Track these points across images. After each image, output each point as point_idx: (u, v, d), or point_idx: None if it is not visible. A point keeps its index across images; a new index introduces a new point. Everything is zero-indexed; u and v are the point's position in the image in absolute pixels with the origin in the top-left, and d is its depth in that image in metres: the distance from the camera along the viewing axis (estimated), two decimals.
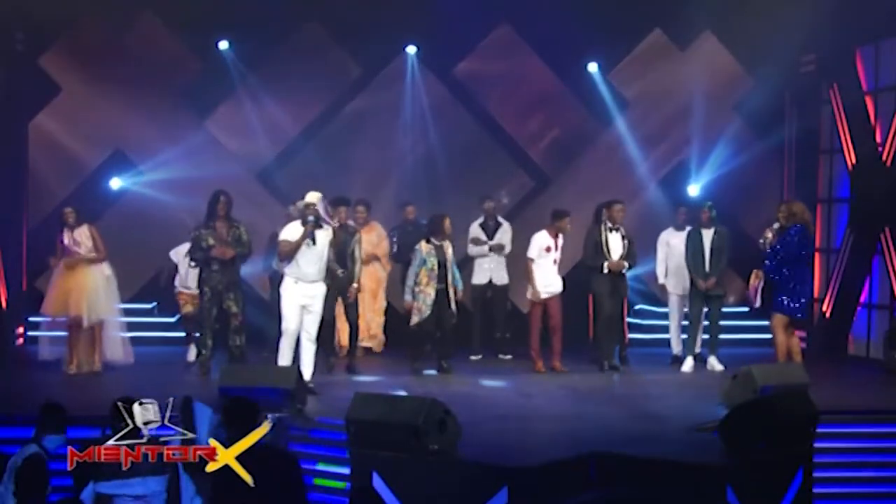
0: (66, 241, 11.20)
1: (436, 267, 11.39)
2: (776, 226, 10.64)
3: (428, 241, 11.50)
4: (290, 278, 10.39)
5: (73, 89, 14.16)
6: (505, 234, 13.01)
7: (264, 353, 11.94)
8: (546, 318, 11.93)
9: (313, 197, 10.53)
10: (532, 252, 11.88)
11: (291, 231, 10.44)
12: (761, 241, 10.86)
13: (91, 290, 11.10)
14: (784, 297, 10.49)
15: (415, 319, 11.46)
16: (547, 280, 11.85)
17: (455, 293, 11.60)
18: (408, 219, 13.12)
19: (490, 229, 13.05)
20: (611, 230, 11.96)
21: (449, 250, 11.58)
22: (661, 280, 12.75)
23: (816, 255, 14.35)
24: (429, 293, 11.37)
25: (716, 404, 9.42)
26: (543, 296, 11.83)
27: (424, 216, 12.87)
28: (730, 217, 12.99)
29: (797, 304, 10.52)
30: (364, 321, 12.38)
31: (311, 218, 10.42)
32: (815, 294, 14.22)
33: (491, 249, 12.86)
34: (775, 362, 10.39)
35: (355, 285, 11.49)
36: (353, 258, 11.47)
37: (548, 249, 11.84)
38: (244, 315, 11.40)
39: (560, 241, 11.94)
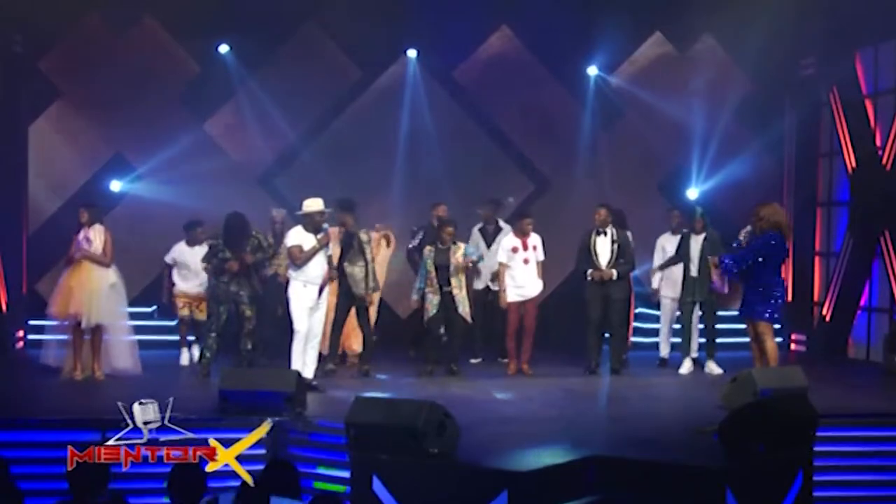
0: (87, 238, 11.14)
1: (433, 270, 11.52)
2: (748, 228, 10.48)
3: (432, 244, 11.61)
4: (298, 282, 10.48)
5: (73, 93, 14.18)
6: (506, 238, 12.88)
7: (263, 360, 11.94)
8: (520, 319, 11.98)
9: (317, 204, 10.56)
10: (501, 256, 11.95)
11: (300, 237, 10.48)
12: (734, 244, 10.67)
13: (93, 291, 11.03)
14: (761, 305, 10.38)
15: (426, 318, 11.66)
16: (518, 282, 11.87)
17: (469, 294, 11.67)
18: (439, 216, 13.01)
19: (489, 234, 13.01)
20: (598, 234, 11.94)
21: (458, 253, 11.61)
22: (654, 284, 12.72)
23: (816, 258, 14.41)
24: (433, 294, 11.51)
25: (715, 407, 9.42)
26: (514, 298, 11.85)
27: (424, 219, 12.89)
28: (728, 221, 12.98)
29: (772, 310, 10.36)
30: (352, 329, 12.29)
31: (326, 226, 10.63)
32: (815, 297, 14.26)
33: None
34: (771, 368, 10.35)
35: (371, 294, 11.59)
36: (368, 267, 11.52)
37: (514, 250, 11.88)
38: (257, 320, 11.52)
39: (531, 240, 11.91)
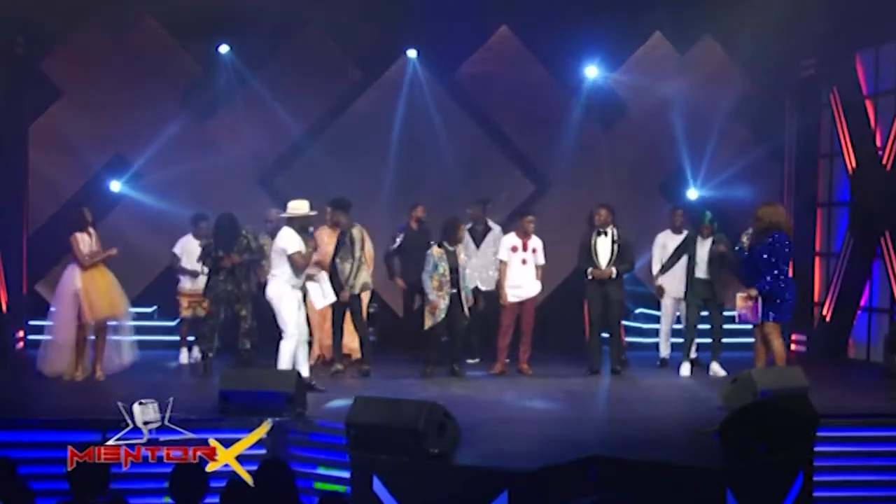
0: (91, 240, 11.16)
1: (447, 272, 11.40)
2: (749, 231, 10.48)
3: (440, 246, 11.53)
4: (287, 284, 10.36)
5: (73, 93, 14.18)
6: (497, 240, 12.61)
7: (263, 359, 11.95)
8: (518, 320, 11.97)
9: (303, 206, 10.51)
10: (502, 254, 11.96)
11: (297, 242, 10.39)
12: (737, 247, 10.69)
13: (118, 287, 11.23)
14: (767, 305, 10.36)
15: (428, 323, 11.52)
16: (516, 281, 11.86)
17: (464, 298, 11.61)
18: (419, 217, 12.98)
19: (478, 234, 12.94)
20: (599, 234, 11.94)
21: (461, 255, 11.60)
22: (658, 281, 12.70)
23: (816, 258, 14.40)
24: (442, 297, 11.40)
25: (715, 408, 9.42)
26: (511, 298, 11.85)
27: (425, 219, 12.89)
28: (729, 222, 12.97)
29: (778, 310, 10.38)
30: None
31: (311, 229, 10.66)
32: (816, 298, 14.25)
33: None
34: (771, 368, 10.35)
35: (345, 293, 11.49)
36: (358, 264, 11.54)
37: (514, 249, 11.88)
38: (254, 320, 11.58)
39: (532, 242, 11.92)
